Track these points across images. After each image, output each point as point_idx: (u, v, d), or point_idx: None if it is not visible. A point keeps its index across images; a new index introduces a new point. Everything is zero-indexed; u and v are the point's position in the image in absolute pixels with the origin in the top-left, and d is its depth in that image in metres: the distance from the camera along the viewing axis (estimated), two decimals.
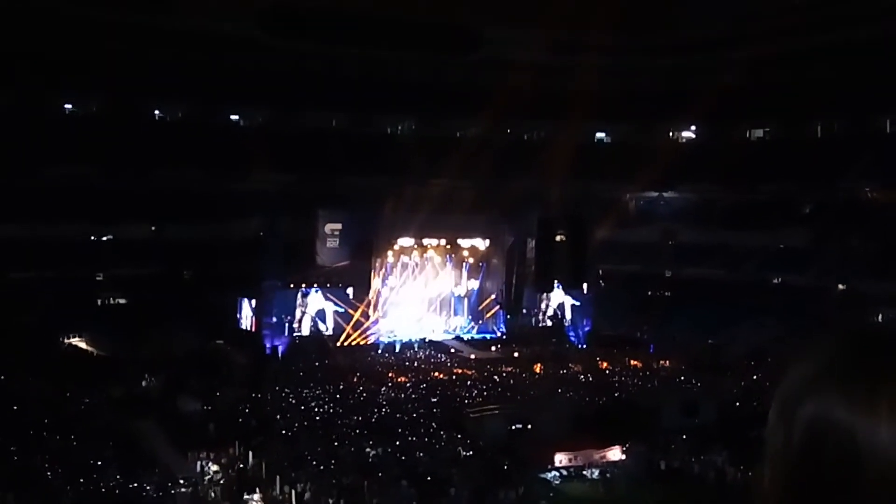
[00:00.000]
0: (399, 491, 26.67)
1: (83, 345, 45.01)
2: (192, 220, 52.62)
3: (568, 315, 55.54)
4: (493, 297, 55.83)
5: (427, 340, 52.09)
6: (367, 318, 50.82)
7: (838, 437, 1.34)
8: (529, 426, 33.78)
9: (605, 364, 47.01)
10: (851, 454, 1.33)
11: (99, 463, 27.77)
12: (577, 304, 55.16)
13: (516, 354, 49.39)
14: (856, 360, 1.39)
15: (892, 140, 56.94)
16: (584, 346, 52.58)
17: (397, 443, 31.44)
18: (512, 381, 42.81)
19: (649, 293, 56.95)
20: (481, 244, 55.54)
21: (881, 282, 48.14)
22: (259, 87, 58.76)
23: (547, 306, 56.45)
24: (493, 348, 51.69)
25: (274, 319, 48.34)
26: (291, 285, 49.29)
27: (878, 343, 1.42)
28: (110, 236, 52.97)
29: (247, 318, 50.00)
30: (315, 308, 49.95)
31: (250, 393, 38.03)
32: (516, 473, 29.04)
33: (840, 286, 51.18)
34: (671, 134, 68.08)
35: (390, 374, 43.41)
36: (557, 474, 30.34)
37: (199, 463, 28.35)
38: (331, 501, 25.59)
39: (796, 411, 1.40)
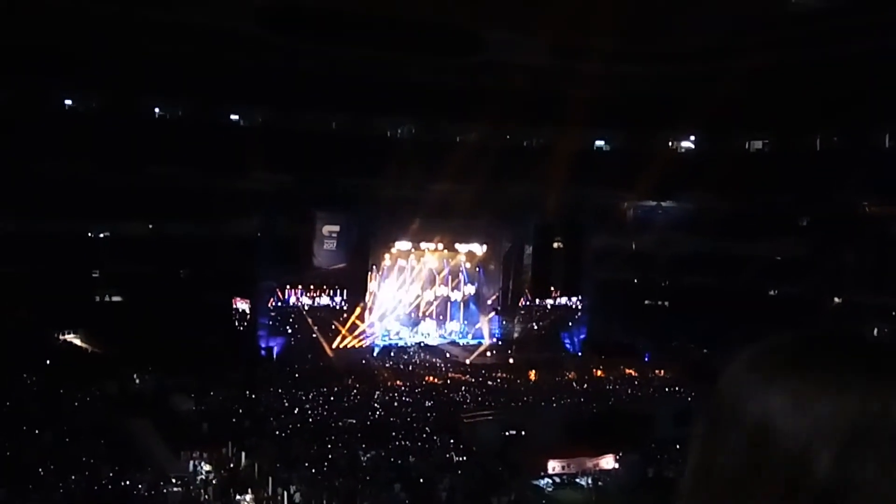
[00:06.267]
0: (391, 495, 26.64)
1: (78, 341, 44.92)
2: (189, 218, 52.46)
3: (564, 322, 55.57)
4: (489, 302, 55.79)
5: (422, 344, 52.07)
6: (363, 320, 50.77)
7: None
8: (523, 432, 33.84)
9: (599, 372, 47.08)
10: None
11: (91, 460, 27.73)
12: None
13: (511, 360, 49.38)
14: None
15: (891, 154, 57.06)
16: (580, 354, 52.57)
17: (391, 446, 31.43)
18: (507, 387, 42.79)
19: (645, 302, 56.97)
20: (479, 249, 55.50)
21: (876, 295, 48.26)
22: (259, 86, 58.64)
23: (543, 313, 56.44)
24: (489, 354, 51.64)
25: (269, 320, 48.28)
26: (288, 286, 49.23)
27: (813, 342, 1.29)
28: (107, 233, 52.83)
29: (242, 318, 49.91)
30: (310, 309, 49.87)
31: (244, 393, 38.01)
32: (509, 479, 29.04)
33: (836, 298, 51.26)
34: (670, 143, 68.16)
35: (385, 378, 43.38)
36: (550, 481, 30.39)
37: (191, 462, 28.33)
38: None
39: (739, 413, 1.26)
